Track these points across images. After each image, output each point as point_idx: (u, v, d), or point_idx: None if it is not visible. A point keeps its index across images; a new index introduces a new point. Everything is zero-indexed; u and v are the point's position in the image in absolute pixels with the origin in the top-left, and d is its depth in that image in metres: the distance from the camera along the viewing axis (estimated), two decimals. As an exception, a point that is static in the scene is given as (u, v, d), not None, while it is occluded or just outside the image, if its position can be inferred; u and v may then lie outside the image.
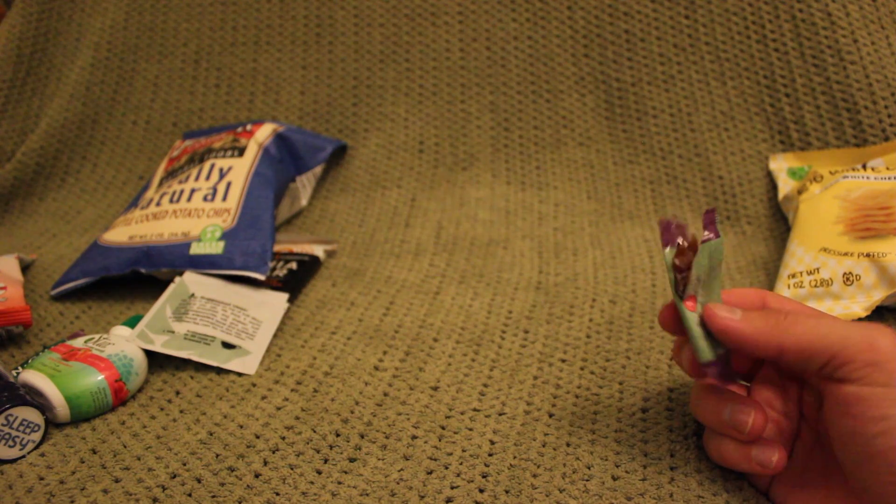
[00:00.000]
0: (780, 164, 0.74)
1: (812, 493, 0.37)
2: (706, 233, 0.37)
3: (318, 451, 0.44)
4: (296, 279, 0.65)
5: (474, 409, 0.47)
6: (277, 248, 0.70)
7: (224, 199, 0.69)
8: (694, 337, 0.36)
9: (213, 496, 0.40)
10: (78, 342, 0.51)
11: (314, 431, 0.46)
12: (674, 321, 0.38)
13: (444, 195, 0.80)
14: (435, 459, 0.43)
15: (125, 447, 0.45)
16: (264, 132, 0.77)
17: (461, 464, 0.42)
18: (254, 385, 0.51)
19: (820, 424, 0.38)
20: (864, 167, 0.64)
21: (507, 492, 0.40)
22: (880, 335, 0.33)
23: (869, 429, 0.32)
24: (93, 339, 0.52)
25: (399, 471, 0.42)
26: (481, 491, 0.40)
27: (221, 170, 0.72)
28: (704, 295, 0.37)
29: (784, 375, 0.40)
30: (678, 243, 0.38)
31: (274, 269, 0.66)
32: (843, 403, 0.33)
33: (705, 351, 0.36)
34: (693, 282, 0.37)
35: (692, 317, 0.37)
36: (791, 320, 0.35)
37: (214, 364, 0.53)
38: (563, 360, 0.52)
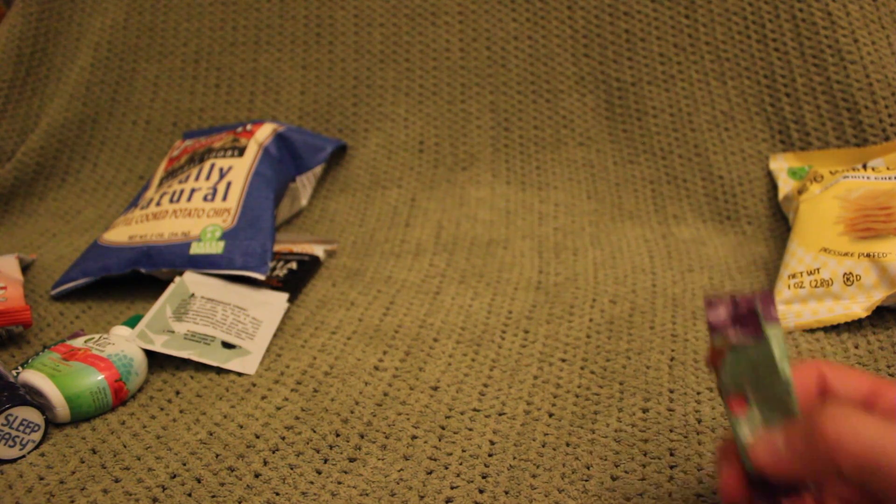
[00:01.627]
0: (781, 164, 0.74)
1: None
2: (740, 334, 0.30)
3: (318, 451, 0.44)
4: (296, 279, 0.65)
5: (474, 409, 0.47)
6: (277, 248, 0.70)
7: (224, 198, 0.69)
8: (742, 446, 0.30)
9: (213, 496, 0.40)
10: (78, 342, 0.51)
11: (314, 431, 0.46)
12: (740, 488, 0.31)
13: (444, 195, 0.80)
14: (435, 459, 0.43)
15: (125, 447, 0.45)
16: (264, 132, 0.77)
17: (461, 464, 0.42)
18: (254, 385, 0.51)
19: None
20: (865, 167, 0.64)
21: (506, 492, 0.40)
22: None
23: None
24: (93, 338, 0.52)
25: (399, 471, 0.42)
26: (481, 491, 0.40)
27: (221, 170, 0.72)
28: (758, 395, 0.31)
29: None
30: (723, 333, 0.31)
31: (274, 268, 0.66)
32: None
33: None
34: (727, 384, 0.31)
35: (734, 422, 0.31)
36: (848, 427, 0.28)
37: (214, 364, 0.53)
38: (563, 360, 0.52)
